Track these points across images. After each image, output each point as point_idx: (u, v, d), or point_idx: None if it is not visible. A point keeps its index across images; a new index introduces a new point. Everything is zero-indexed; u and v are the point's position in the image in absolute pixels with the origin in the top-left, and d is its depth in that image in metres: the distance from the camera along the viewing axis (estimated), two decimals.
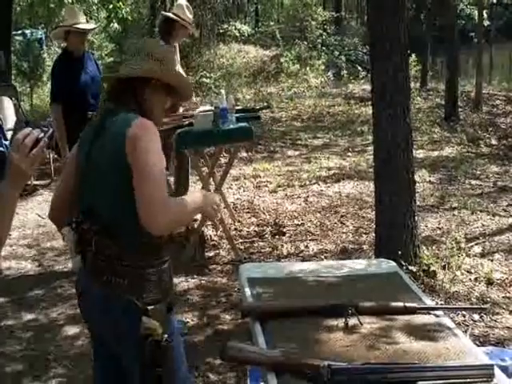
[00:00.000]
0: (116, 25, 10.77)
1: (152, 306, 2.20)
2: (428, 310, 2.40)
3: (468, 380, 1.91)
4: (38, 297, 4.90)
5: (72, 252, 2.29)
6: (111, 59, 14.14)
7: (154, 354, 2.15)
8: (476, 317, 4.25)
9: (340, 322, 2.28)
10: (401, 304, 2.38)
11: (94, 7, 9.37)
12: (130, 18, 10.83)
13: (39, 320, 4.55)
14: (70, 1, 10.02)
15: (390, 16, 4.51)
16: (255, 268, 3.02)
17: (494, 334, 4.03)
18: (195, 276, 5.12)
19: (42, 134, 1.79)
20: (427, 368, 1.95)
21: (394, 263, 3.00)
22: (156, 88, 2.35)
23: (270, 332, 2.25)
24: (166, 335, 2.17)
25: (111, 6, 9.38)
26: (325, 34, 18.56)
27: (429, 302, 2.55)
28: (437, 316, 2.37)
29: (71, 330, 4.31)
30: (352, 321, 2.27)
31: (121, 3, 9.55)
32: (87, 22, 5.64)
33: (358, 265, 3.07)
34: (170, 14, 5.85)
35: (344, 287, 2.65)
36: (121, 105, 2.31)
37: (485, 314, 4.27)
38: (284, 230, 6.05)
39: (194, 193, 2.41)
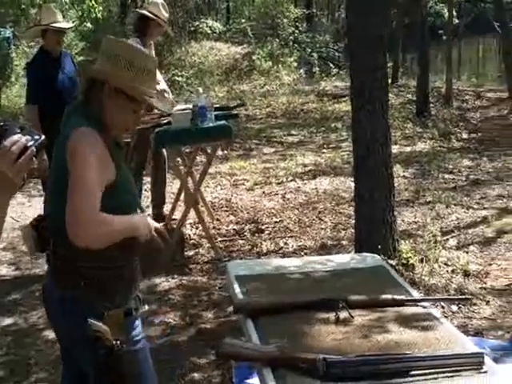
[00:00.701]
0: (89, 24, 10.71)
1: (108, 311, 2.16)
2: (416, 302, 2.46)
3: (459, 368, 1.97)
4: (17, 301, 4.85)
5: (32, 250, 2.27)
6: (81, 58, 14.03)
7: (107, 358, 2.12)
8: (454, 308, 4.34)
9: (331, 316, 2.32)
10: (389, 296, 2.43)
11: (66, 6, 9.29)
12: (101, 16, 10.77)
13: (19, 324, 4.51)
14: (42, 1, 9.93)
15: (370, 12, 4.57)
16: (242, 265, 3.05)
17: (472, 325, 4.13)
18: (175, 276, 5.12)
19: (32, 142, 1.70)
20: (419, 358, 2.00)
21: (378, 257, 3.06)
22: (112, 92, 2.19)
23: (263, 328, 2.28)
24: (118, 341, 2.12)
25: (84, 6, 9.32)
26: (297, 31, 18.61)
27: (415, 293, 2.61)
28: (424, 307, 2.43)
29: (52, 334, 4.19)
30: (343, 314, 2.32)
31: (94, 2, 9.51)
32: (67, 20, 5.59)
33: (343, 259, 3.13)
34: (145, 12, 5.81)
35: (332, 282, 2.70)
36: (83, 103, 2.27)
37: (463, 305, 4.37)
38: (263, 227, 6.09)
39: (134, 216, 2.27)
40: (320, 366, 1.95)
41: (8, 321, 4.55)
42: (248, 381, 3.51)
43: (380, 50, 4.62)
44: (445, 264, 5.00)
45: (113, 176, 2.16)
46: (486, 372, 1.98)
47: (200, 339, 4.12)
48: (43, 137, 1.78)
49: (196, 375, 3.76)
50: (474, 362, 2.00)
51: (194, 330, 4.31)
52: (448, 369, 1.97)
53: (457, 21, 14.86)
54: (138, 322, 2.35)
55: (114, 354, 2.11)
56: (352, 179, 6.70)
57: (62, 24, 5.24)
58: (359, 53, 4.72)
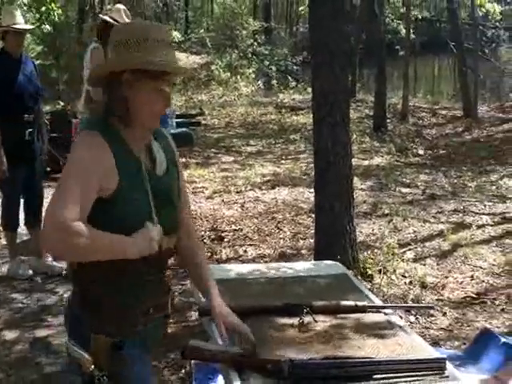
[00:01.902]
0: (47, 26, 10.59)
1: (95, 334, 1.94)
2: (378, 309, 2.49)
3: (421, 373, 2.00)
4: None
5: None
6: (39, 61, 13.87)
7: None
8: (412, 318, 4.39)
9: (295, 321, 2.33)
10: (352, 303, 2.46)
11: (24, 8, 9.12)
12: (60, 19, 10.68)
13: None
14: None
15: (331, 25, 4.63)
16: None
17: (429, 335, 4.18)
18: None
19: None
20: (383, 362, 2.02)
21: (341, 265, 3.09)
22: (132, 78, 1.91)
23: (227, 331, 2.27)
24: (97, 373, 1.90)
25: (44, 8, 9.21)
26: (255, 43, 18.76)
27: (377, 300, 2.64)
28: (386, 314, 2.47)
29: (9, 335, 4.21)
30: (307, 319, 2.33)
31: (53, 5, 9.41)
32: (25, 22, 5.48)
33: (306, 266, 3.15)
34: (107, 18, 5.78)
35: (295, 288, 2.71)
36: (105, 110, 2.00)
37: (420, 315, 4.43)
38: (222, 235, 6.09)
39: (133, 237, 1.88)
40: (285, 367, 1.96)
41: None
42: None
43: (338, 60, 4.67)
44: (402, 275, 5.07)
45: (113, 185, 1.88)
46: (447, 377, 2.01)
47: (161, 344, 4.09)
48: None
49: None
50: (436, 367, 2.03)
51: None
52: (411, 373, 2.00)
53: (413, 36, 15.16)
54: (136, 363, 2.00)
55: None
56: (310, 190, 6.79)
57: (22, 25, 5.16)
58: (321, 66, 4.76)
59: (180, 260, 2.23)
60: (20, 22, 5.12)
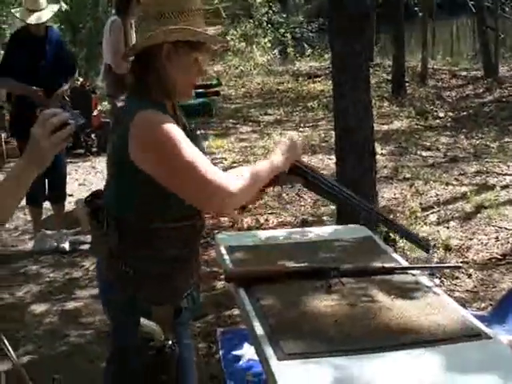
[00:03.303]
0: (64, 5, 10.55)
1: (155, 307, 1.98)
2: (405, 270, 2.48)
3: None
4: (3, 277, 4.83)
5: (85, 225, 2.14)
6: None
7: (155, 361, 1.93)
8: (437, 281, 4.38)
9: (323, 284, 2.32)
10: (379, 265, 2.45)
11: None
12: None
13: (5, 299, 4.50)
14: None
15: None
16: (231, 237, 3.05)
17: (455, 297, 4.15)
18: None
19: (73, 121, 1.63)
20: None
21: (366, 228, 3.07)
22: (171, 51, 1.92)
23: (255, 296, 2.28)
24: (169, 342, 1.94)
25: None
26: (270, 11, 18.54)
27: (404, 262, 2.62)
28: (413, 275, 2.45)
29: (39, 309, 4.29)
30: (334, 282, 2.32)
31: None
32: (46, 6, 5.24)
33: (331, 230, 3.14)
34: None
35: (321, 251, 2.70)
36: (137, 84, 1.99)
37: (445, 278, 4.42)
38: (243, 204, 6.07)
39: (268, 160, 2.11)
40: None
41: None
42: (234, 352, 3.52)
43: (356, 24, 4.59)
44: (426, 239, 5.04)
45: None
46: (479, 335, 2.01)
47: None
48: (84, 121, 1.70)
49: None
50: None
51: None
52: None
53: None
54: (183, 325, 2.12)
55: (164, 356, 1.93)
56: (330, 157, 6.77)
57: (37, 16, 5.00)
58: (337, 27, 4.70)
59: None
60: (40, 7, 5.03)
